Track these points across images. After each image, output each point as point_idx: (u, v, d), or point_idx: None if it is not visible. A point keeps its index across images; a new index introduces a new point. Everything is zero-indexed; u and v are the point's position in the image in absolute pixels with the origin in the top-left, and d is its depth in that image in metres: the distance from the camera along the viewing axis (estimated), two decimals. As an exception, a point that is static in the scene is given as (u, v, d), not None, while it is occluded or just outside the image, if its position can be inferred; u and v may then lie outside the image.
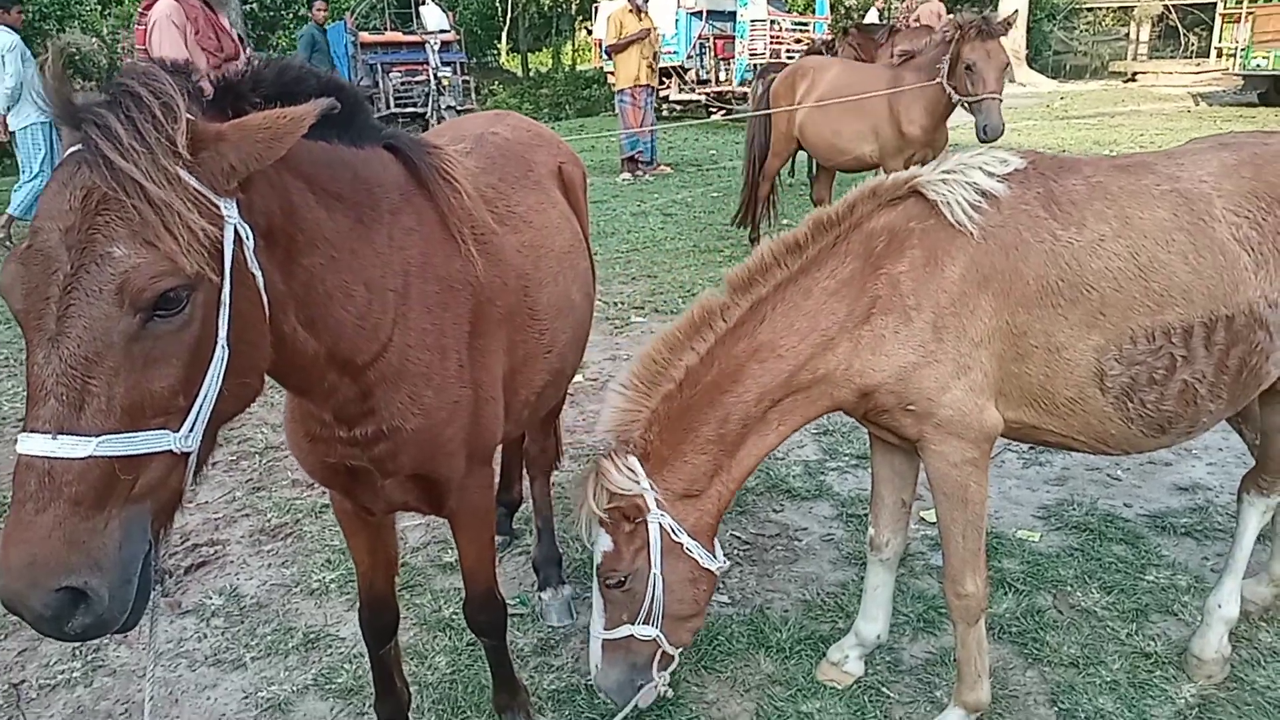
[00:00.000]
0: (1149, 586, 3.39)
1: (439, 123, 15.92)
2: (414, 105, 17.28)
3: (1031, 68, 26.45)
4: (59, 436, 1.34)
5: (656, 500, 2.47)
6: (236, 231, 1.52)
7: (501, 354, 2.38)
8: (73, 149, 1.43)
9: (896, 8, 25.60)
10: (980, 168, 2.45)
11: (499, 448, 2.58)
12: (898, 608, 3.12)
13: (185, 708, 3.00)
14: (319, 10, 14.85)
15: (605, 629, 2.58)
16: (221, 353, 1.51)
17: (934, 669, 3.02)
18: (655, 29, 13.51)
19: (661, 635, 2.56)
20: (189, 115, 1.46)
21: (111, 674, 3.18)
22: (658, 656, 2.60)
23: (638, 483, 2.43)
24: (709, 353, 2.45)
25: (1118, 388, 2.42)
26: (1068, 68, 29.98)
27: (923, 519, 3.75)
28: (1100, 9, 34.24)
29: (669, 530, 2.48)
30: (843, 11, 28.32)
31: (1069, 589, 3.40)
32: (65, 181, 1.40)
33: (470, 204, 2.30)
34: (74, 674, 3.19)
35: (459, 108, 17.20)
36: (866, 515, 3.88)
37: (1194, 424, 2.55)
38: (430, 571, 3.72)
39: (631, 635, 2.55)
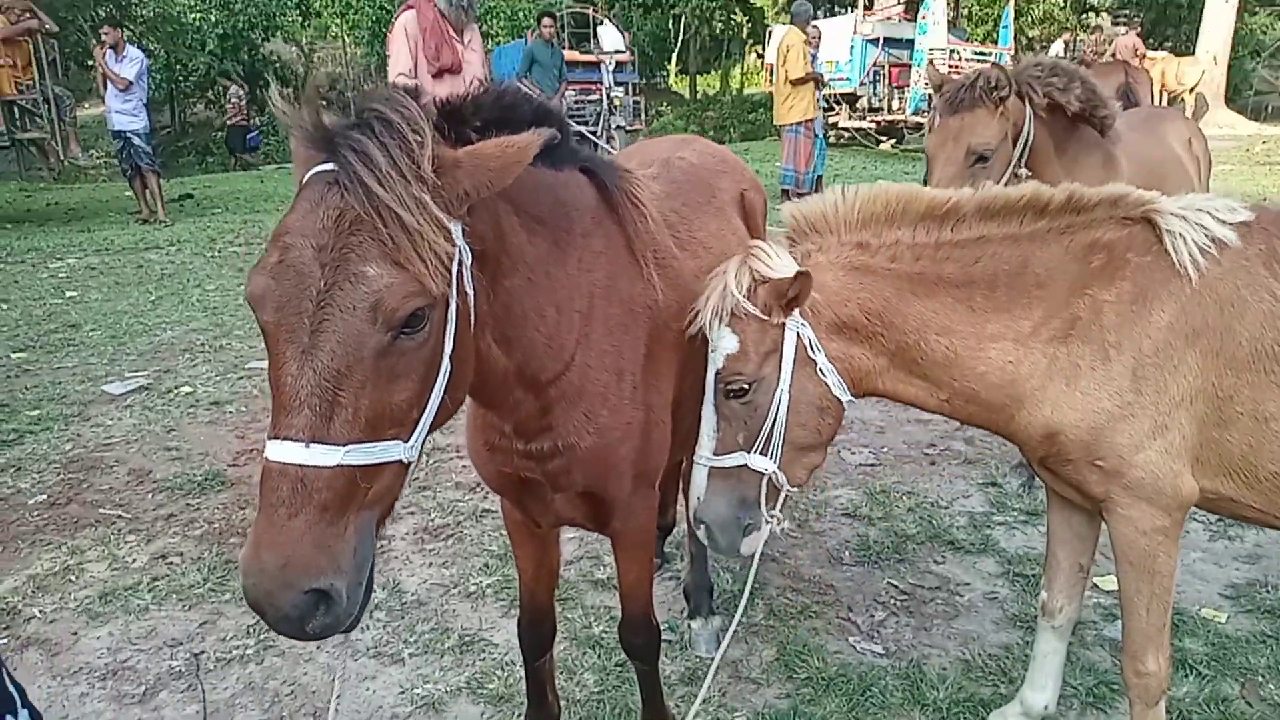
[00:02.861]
0: (1355, 686, 3.08)
1: (608, 141, 16.24)
2: (585, 123, 17.72)
3: (1230, 108, 24.76)
4: (312, 445, 1.40)
5: (800, 310, 2.19)
6: (459, 253, 1.58)
7: (673, 378, 2.38)
8: (320, 169, 1.49)
9: (1084, 40, 24.44)
10: (1211, 212, 2.28)
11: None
12: (1066, 679, 2.93)
13: (346, 695, 3.12)
14: (546, 28, 14.60)
15: (716, 453, 2.23)
16: (446, 367, 1.57)
17: (1103, 748, 2.83)
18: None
19: (778, 471, 2.23)
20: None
21: (280, 654, 3.35)
22: (776, 495, 2.26)
23: (787, 269, 2.15)
24: (917, 244, 2.24)
25: None
26: (1269, 109, 27.85)
27: (1096, 585, 3.53)
28: (1313, 47, 31.71)
29: (806, 344, 2.19)
30: (1025, 42, 27.32)
31: (1260, 678, 3.12)
32: (317, 201, 1.46)
33: (655, 229, 2.32)
34: (248, 650, 3.38)
35: (628, 127, 17.60)
36: (1034, 575, 3.70)
37: None
38: (582, 586, 3.76)
39: (745, 465, 2.21)
